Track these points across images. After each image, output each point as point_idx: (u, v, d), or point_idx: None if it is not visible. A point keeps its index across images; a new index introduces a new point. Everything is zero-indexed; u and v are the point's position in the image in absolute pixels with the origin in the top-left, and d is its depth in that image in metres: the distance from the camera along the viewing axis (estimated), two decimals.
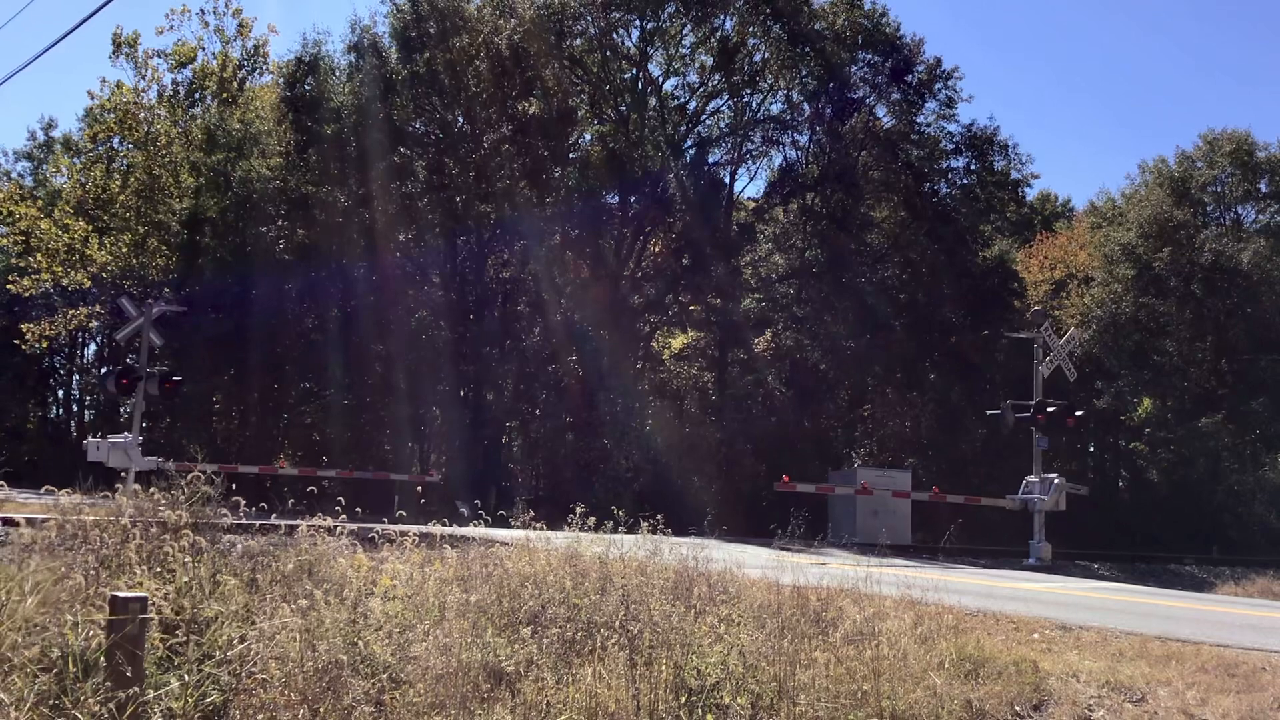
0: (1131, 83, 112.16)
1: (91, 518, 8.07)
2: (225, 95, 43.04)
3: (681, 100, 42.53)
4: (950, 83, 40.91)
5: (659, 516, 10.75)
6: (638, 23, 39.78)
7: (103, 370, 32.24)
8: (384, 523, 12.08)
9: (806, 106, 41.01)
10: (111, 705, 4.94)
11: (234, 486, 8.70)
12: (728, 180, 42.04)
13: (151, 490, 8.31)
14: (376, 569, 7.79)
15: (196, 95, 44.19)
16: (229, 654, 5.89)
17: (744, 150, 42.08)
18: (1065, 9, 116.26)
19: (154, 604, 5.91)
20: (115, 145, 43.00)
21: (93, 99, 43.42)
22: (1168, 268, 41.78)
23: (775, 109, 41.70)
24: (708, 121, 42.72)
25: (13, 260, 45.17)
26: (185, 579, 6.76)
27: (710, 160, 41.92)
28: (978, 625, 9.47)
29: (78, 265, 39.54)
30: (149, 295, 33.46)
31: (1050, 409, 25.42)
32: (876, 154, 41.54)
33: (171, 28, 46.58)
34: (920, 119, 41.58)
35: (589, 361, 37.02)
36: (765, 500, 33.60)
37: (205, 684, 5.60)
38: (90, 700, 5.06)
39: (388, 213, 36.59)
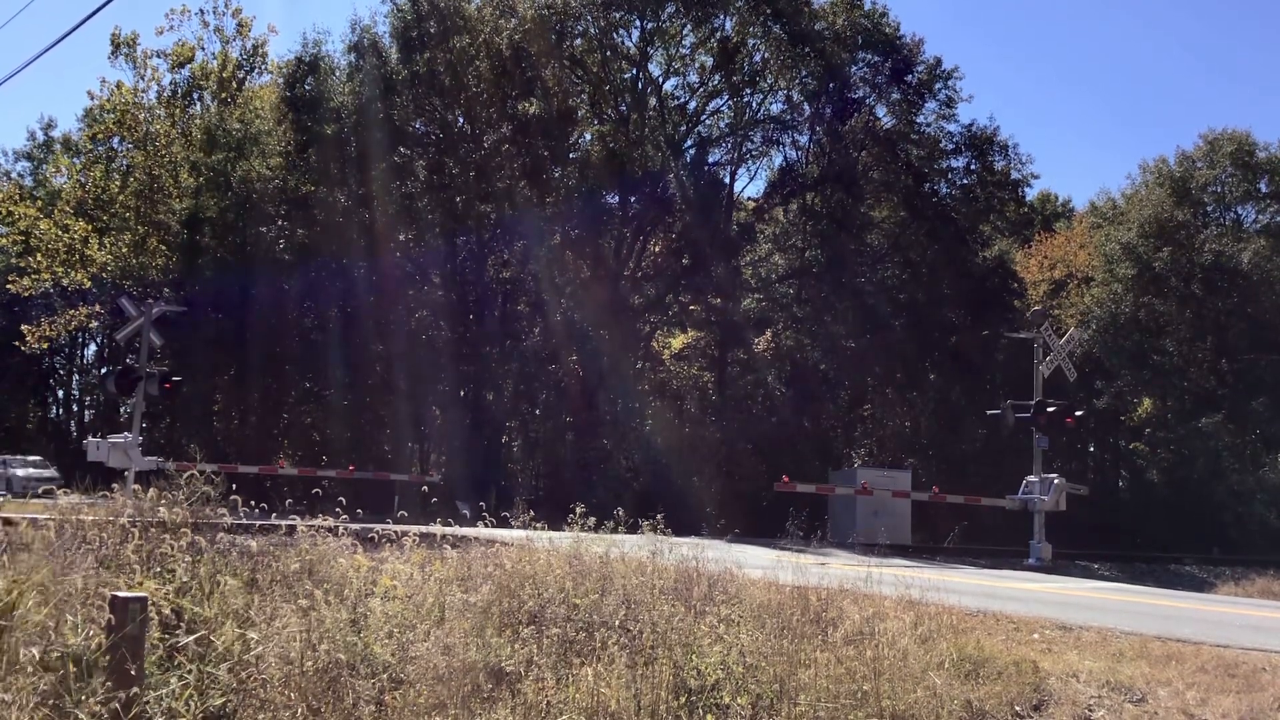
0: (1132, 82, 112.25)
1: (91, 518, 8.07)
2: (225, 95, 43.02)
3: (681, 100, 42.57)
4: (950, 82, 41.06)
5: (659, 517, 10.74)
6: (638, 23, 39.79)
7: (103, 370, 32.25)
8: (385, 523, 12.09)
9: (806, 106, 41.06)
10: (112, 705, 4.93)
11: (234, 486, 8.68)
12: (728, 180, 42.10)
13: (151, 490, 8.31)
14: (377, 569, 7.78)
15: (196, 95, 44.17)
16: (229, 654, 5.89)
17: (744, 150, 42.14)
18: (1065, 9, 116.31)
19: (154, 604, 5.90)
20: (115, 145, 43.01)
21: (92, 99, 43.46)
22: (1168, 268, 41.78)
23: (775, 109, 41.81)
24: (708, 121, 42.77)
25: (13, 260, 45.18)
26: (185, 579, 6.76)
27: (710, 160, 41.98)
28: (978, 625, 9.46)
29: (78, 265, 39.57)
30: (149, 295, 33.48)
31: (1050, 409, 25.39)
32: (876, 154, 41.60)
33: (171, 28, 46.66)
34: (920, 119, 41.68)
35: (589, 361, 37.00)
36: (765, 500, 33.55)
37: (206, 684, 5.60)
38: (91, 700, 5.06)
39: (388, 213, 36.58)
